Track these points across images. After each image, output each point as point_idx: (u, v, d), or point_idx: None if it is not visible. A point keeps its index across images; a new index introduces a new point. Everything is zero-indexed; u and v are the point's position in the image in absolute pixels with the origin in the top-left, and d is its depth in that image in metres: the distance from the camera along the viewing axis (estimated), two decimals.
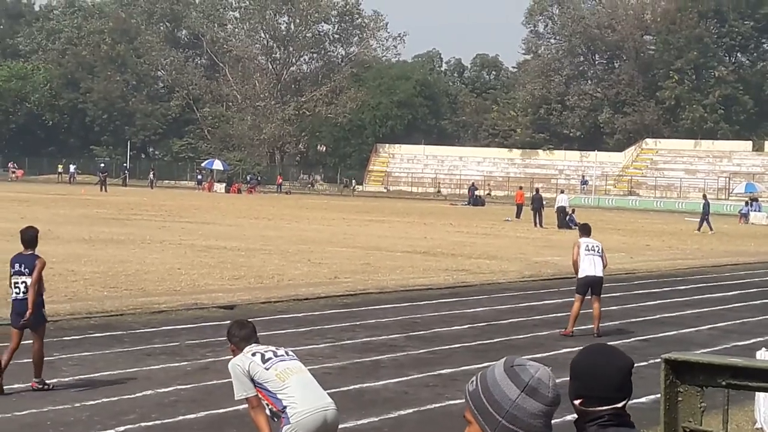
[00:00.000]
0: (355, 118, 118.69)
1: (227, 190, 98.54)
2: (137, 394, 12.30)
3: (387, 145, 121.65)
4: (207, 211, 56.52)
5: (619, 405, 3.69)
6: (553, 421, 3.21)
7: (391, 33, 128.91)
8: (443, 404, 12.48)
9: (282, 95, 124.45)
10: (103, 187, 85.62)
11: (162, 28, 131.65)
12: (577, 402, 3.67)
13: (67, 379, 12.95)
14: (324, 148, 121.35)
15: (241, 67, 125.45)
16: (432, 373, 14.35)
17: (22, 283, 12.27)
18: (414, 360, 15.42)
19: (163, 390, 12.60)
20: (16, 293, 12.32)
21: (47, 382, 12.50)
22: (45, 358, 13.39)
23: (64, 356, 14.00)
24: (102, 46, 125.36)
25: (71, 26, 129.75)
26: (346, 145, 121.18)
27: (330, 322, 18.61)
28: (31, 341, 12.37)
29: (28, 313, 12.18)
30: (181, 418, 11.31)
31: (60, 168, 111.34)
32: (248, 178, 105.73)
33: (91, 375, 13.01)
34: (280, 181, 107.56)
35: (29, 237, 12.59)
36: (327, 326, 18.17)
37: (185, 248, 31.79)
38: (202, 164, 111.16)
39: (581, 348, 3.91)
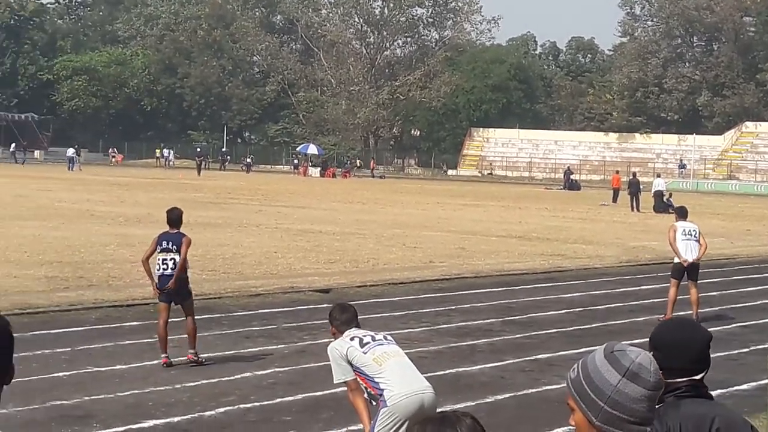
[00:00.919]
0: (449, 102, 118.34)
1: (322, 174, 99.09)
2: (236, 376, 12.46)
3: (481, 129, 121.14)
4: (302, 196, 56.90)
5: (698, 377, 3.70)
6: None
7: (486, 16, 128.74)
8: (540, 389, 12.43)
9: (376, 79, 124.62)
10: (200, 171, 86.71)
11: (257, 13, 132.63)
12: None
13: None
14: (418, 133, 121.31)
15: (336, 52, 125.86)
16: (528, 358, 14.29)
17: (171, 259, 13.01)
18: (510, 345, 15.37)
19: (261, 372, 12.74)
20: (164, 269, 13.02)
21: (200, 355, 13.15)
22: (147, 340, 13.66)
23: None
24: (199, 31, 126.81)
25: (169, 12, 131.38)
26: (440, 129, 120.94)
27: (425, 307, 18.62)
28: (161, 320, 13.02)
29: (171, 282, 12.91)
30: (279, 400, 11.43)
31: (158, 152, 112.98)
32: (346, 162, 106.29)
33: (185, 356, 13.17)
34: (373, 165, 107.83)
35: (175, 216, 13.37)
36: (422, 310, 18.19)
37: (281, 232, 32.08)
38: (297, 149, 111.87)
39: (662, 321, 3.93)
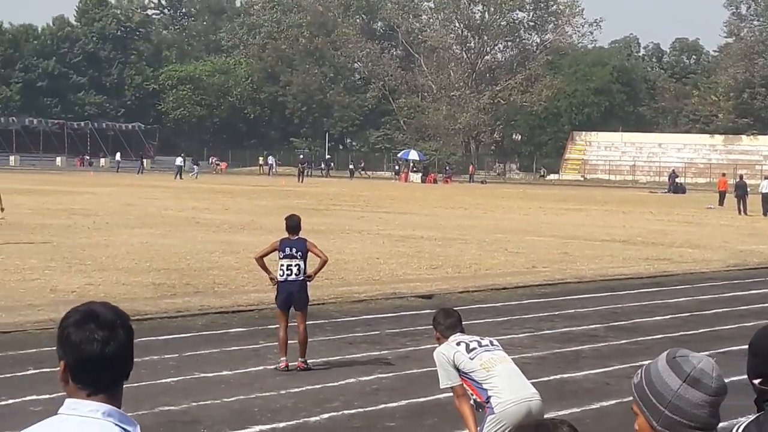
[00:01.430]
0: (551, 106, 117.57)
1: (423, 180, 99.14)
2: (340, 382, 12.52)
3: (583, 132, 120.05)
4: (404, 201, 57.02)
5: None
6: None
7: (587, 19, 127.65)
8: None
9: (477, 84, 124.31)
10: (301, 178, 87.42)
11: (358, 20, 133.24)
12: (756, 381, 3.57)
13: (271, 367, 13.27)
14: (519, 137, 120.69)
15: (436, 57, 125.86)
16: (634, 364, 14.09)
17: (295, 266, 13.25)
18: (615, 350, 15.20)
19: (365, 378, 12.78)
20: (288, 275, 13.23)
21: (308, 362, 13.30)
22: (252, 346, 13.81)
23: (269, 344, 14.35)
24: (300, 39, 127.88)
25: (271, 21, 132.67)
26: (541, 134, 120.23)
27: (528, 312, 18.52)
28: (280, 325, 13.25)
29: (307, 278, 13.30)
30: (382, 406, 11.45)
31: (260, 160, 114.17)
32: (446, 167, 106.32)
33: (296, 362, 13.28)
34: (472, 170, 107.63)
35: (294, 223, 13.56)
36: (525, 316, 18.08)
37: (383, 238, 32.17)
38: (398, 155, 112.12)
39: (762, 327, 3.84)
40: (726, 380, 3.22)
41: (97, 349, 3.03)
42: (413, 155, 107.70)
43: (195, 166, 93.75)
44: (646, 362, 3.39)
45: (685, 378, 3.13)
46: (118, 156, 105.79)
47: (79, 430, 2.99)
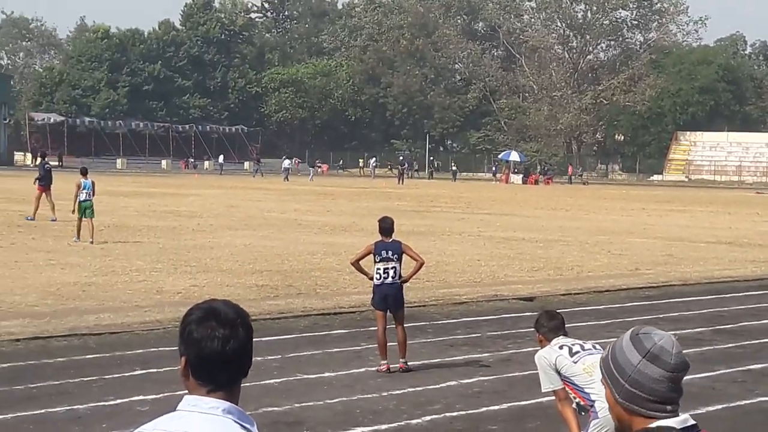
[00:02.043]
0: (654, 106, 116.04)
1: (524, 181, 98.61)
2: (441, 385, 12.52)
3: (688, 132, 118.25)
4: (504, 203, 56.79)
5: None
6: None
7: (692, 17, 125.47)
8: (754, 401, 12.05)
9: (579, 84, 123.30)
10: (401, 180, 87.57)
11: (459, 21, 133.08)
12: None
13: (373, 369, 13.33)
14: (622, 137, 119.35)
15: (538, 57, 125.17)
16: (741, 369, 13.87)
17: (392, 268, 13.28)
18: (721, 354, 14.95)
19: (467, 381, 12.76)
20: (384, 277, 13.27)
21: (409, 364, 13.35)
22: (354, 348, 13.86)
23: (370, 346, 14.41)
24: (401, 41, 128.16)
25: (372, 22, 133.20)
26: (644, 134, 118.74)
27: (631, 315, 18.30)
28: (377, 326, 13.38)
29: (402, 281, 13.42)
30: (484, 409, 11.42)
31: (361, 162, 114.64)
32: (544, 168, 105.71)
33: (396, 365, 13.31)
34: (571, 171, 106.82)
35: (388, 225, 13.57)
36: (628, 319, 17.86)
37: (484, 240, 32.09)
38: (499, 156, 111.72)
39: None
40: None
41: (218, 346, 3.08)
42: (514, 156, 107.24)
43: (311, 169, 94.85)
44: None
45: (645, 354, 3.25)
46: (221, 159, 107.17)
47: (203, 427, 3.03)
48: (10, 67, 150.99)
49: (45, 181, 34.57)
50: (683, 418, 3.27)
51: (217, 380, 3.10)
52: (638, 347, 3.28)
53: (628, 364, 3.27)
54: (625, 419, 3.32)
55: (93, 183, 28.85)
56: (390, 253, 13.31)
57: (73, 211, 27.98)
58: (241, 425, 3.06)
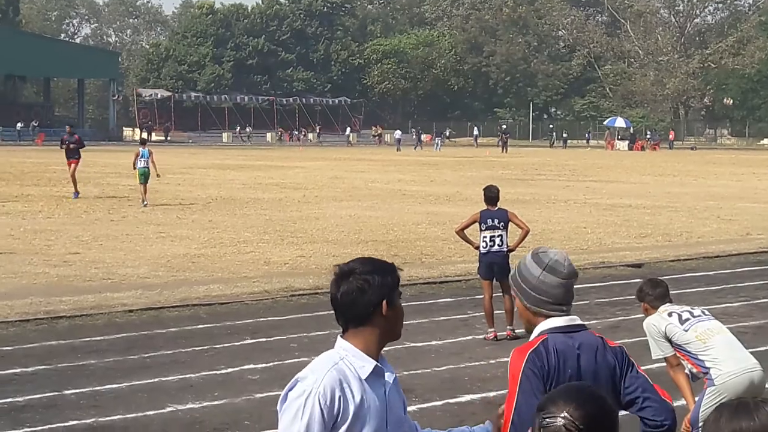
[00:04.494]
0: (764, 69, 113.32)
1: (630, 148, 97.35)
2: None
3: None
4: (610, 170, 56.14)
5: None
6: None
7: None
8: None
9: (685, 48, 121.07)
10: (505, 148, 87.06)
11: None
12: None
13: (480, 336, 13.33)
14: (730, 102, 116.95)
15: (643, 22, 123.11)
16: None
17: (498, 236, 13.28)
18: None
19: None
20: (491, 246, 13.28)
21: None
22: (460, 316, 13.86)
23: (477, 314, 14.40)
24: (504, 9, 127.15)
25: None
26: (754, 97, 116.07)
27: (743, 281, 17.99)
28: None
29: (509, 250, 13.32)
30: None
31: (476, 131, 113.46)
32: (652, 134, 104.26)
33: (503, 332, 13.28)
34: (672, 136, 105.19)
35: (493, 194, 13.54)
36: (740, 284, 17.57)
37: (590, 207, 31.80)
38: (605, 122, 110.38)
39: None
40: None
41: (331, 293, 3.88)
42: (620, 122, 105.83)
43: (438, 139, 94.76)
44: None
45: (544, 267, 4.19)
46: (348, 130, 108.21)
47: (319, 359, 3.83)
48: (118, 44, 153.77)
49: (73, 155, 34.08)
50: (571, 317, 4.19)
51: (338, 324, 3.90)
52: (538, 262, 4.21)
53: (531, 276, 4.19)
54: (532, 320, 4.23)
55: (150, 152, 31.40)
56: (496, 221, 13.27)
57: (135, 175, 31.20)
58: (348, 363, 3.76)
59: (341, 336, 3.85)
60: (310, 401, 3.65)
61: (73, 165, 33.79)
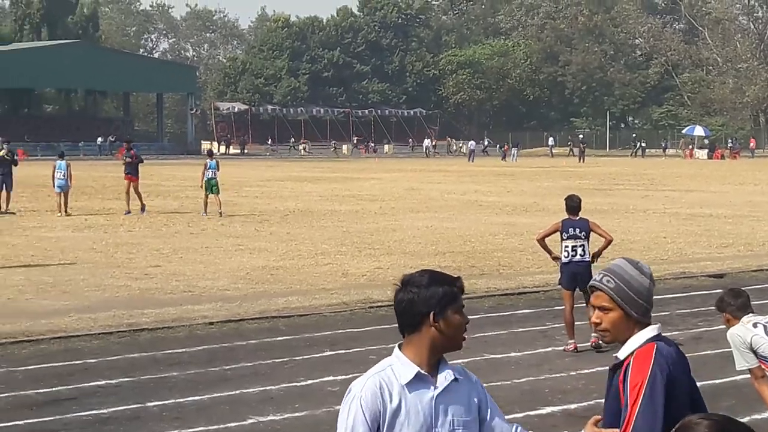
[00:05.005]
0: None
1: (710, 156, 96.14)
2: None
3: None
4: (690, 179, 55.50)
5: None
6: None
7: None
8: None
9: (765, 56, 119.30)
10: (582, 158, 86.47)
11: None
12: None
13: (560, 348, 13.24)
14: None
15: (721, 29, 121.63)
16: None
17: (579, 246, 13.22)
18: None
19: None
20: (572, 255, 13.22)
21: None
22: (539, 328, 13.79)
23: (556, 325, 14.32)
24: (579, 18, 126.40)
25: (549, 1, 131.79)
26: None
27: None
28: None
29: (591, 258, 13.22)
30: None
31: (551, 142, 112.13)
32: (733, 142, 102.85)
33: (584, 343, 13.17)
34: (754, 144, 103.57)
35: (575, 203, 13.49)
36: None
37: (669, 217, 31.47)
38: (683, 131, 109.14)
39: None
40: None
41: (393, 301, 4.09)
42: (698, 131, 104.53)
43: (514, 150, 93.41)
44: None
45: (649, 276, 4.30)
46: (426, 142, 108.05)
47: (375, 365, 4.09)
48: (195, 58, 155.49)
49: (131, 170, 32.81)
50: (657, 325, 4.30)
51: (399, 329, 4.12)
52: (642, 272, 4.29)
53: (642, 287, 4.24)
54: (627, 332, 4.24)
55: (217, 163, 32.22)
56: (578, 230, 13.22)
57: (201, 186, 31.94)
58: (393, 369, 4.01)
59: (399, 343, 4.11)
60: (354, 404, 3.95)
61: (128, 181, 32.68)
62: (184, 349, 13.14)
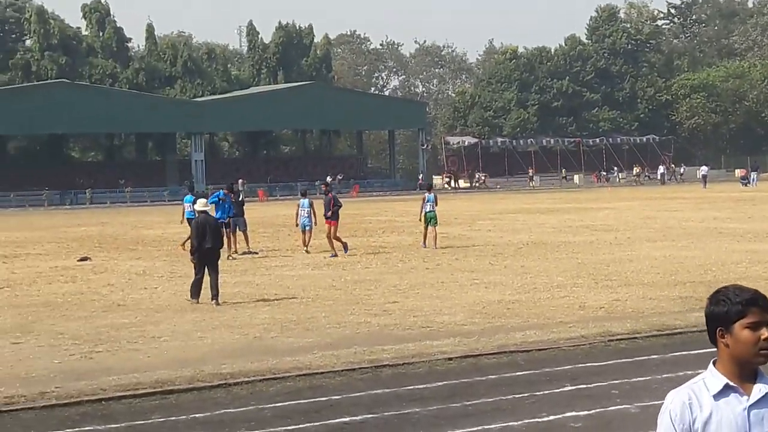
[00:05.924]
0: None
1: None
2: None
3: None
4: None
5: None
6: None
7: None
8: None
9: None
10: None
11: None
12: None
13: None
14: None
15: None
16: None
17: None
18: None
19: None
20: None
21: None
22: None
23: None
24: None
25: None
26: None
27: None
28: None
29: None
30: None
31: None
32: None
33: None
34: None
35: None
36: None
37: None
38: None
39: None
40: None
41: None
42: None
43: (753, 173, 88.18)
44: None
45: None
46: (660, 168, 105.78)
47: (694, 378, 4.26)
48: (425, 94, 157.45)
49: (331, 216, 31.69)
50: None
51: None
52: None
53: None
54: None
55: (435, 197, 32.89)
56: None
57: (420, 219, 32.71)
58: (704, 382, 4.18)
59: (714, 359, 4.27)
60: (665, 417, 4.19)
61: (328, 226, 31.70)
62: (424, 385, 13.27)
